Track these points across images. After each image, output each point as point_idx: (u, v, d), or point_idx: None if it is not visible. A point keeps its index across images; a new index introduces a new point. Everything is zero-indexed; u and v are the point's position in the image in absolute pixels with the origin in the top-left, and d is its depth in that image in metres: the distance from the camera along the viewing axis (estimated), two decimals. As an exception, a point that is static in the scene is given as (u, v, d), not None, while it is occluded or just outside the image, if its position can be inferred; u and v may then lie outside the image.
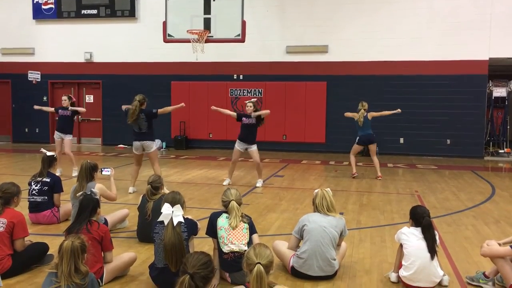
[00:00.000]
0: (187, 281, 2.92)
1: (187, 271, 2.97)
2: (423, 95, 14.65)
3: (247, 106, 9.23)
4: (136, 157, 8.68)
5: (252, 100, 9.59)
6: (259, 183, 9.48)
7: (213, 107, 9.60)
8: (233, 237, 4.40)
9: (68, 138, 10.30)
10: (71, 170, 10.25)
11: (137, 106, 8.35)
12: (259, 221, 6.67)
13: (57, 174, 9.93)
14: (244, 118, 9.22)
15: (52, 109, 11.00)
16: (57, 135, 10.39)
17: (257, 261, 3.12)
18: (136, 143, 8.52)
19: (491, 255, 4.35)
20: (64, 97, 10.59)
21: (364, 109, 10.31)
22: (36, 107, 11.32)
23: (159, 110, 8.50)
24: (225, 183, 9.53)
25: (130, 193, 8.55)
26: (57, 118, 10.52)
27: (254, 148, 9.27)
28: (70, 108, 10.40)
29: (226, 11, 11.65)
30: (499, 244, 4.38)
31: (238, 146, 9.33)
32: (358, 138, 10.47)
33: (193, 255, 3.10)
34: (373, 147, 10.48)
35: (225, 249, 4.39)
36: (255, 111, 9.14)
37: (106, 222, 5.82)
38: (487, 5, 14.14)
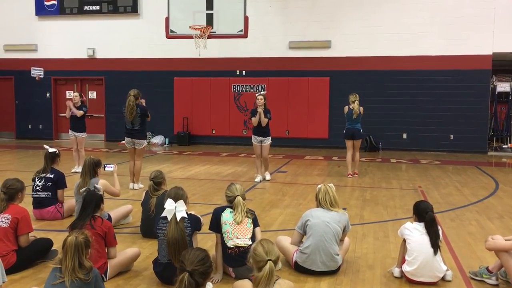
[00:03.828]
0: (186, 278, 2.93)
1: (185, 269, 2.98)
2: (426, 90, 14.61)
3: (258, 99, 9.33)
4: (129, 150, 8.88)
5: (262, 93, 9.69)
6: (267, 176, 9.70)
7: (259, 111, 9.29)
8: (238, 232, 4.42)
9: (80, 135, 10.46)
10: (73, 166, 10.34)
11: (133, 101, 8.48)
12: (262, 216, 6.67)
13: (73, 170, 10.04)
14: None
15: (68, 111, 10.54)
16: (70, 133, 10.54)
17: (267, 258, 3.19)
18: (128, 139, 8.72)
19: (495, 249, 4.35)
20: (76, 94, 10.65)
21: (357, 100, 9.94)
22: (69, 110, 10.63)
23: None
24: (257, 179, 9.52)
25: (131, 189, 8.60)
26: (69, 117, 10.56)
27: (267, 142, 9.44)
28: (72, 110, 10.38)
29: (228, 6, 11.62)
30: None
31: (254, 140, 9.49)
32: (345, 131, 10.13)
33: (190, 252, 3.11)
34: (357, 143, 10.13)
35: (230, 243, 4.40)
36: (264, 105, 9.29)
37: (109, 218, 5.82)
38: (491, -1, 14.09)
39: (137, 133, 8.63)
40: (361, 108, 10.05)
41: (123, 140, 9.04)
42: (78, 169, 9.99)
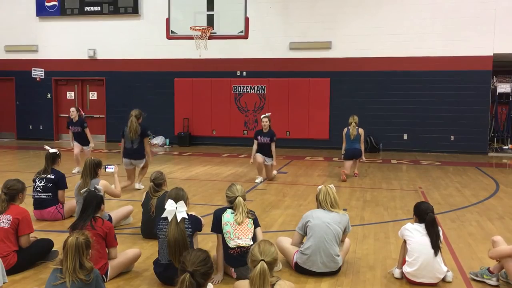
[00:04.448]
0: (187, 279, 2.94)
1: (186, 270, 2.98)
2: (427, 91, 14.61)
3: (263, 122, 9.50)
4: (128, 172, 8.74)
5: (267, 114, 9.75)
6: (274, 172, 9.92)
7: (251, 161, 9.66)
8: (239, 232, 4.43)
9: (87, 148, 10.51)
10: (73, 167, 10.34)
11: (136, 121, 8.55)
12: (263, 217, 6.67)
13: (74, 171, 10.03)
14: (259, 137, 9.53)
15: (70, 134, 10.68)
16: (76, 143, 10.53)
17: (261, 258, 3.17)
18: (126, 160, 8.68)
19: (499, 257, 4.34)
20: (73, 109, 10.63)
21: (355, 122, 10.04)
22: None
23: (147, 140, 8.83)
24: (257, 180, 9.53)
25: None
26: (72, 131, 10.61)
27: (269, 163, 9.58)
28: (78, 120, 10.44)
29: (229, 7, 11.63)
30: None
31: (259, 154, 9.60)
32: (345, 152, 10.14)
33: (191, 253, 3.12)
34: (357, 160, 10.26)
35: (232, 244, 4.41)
36: (269, 126, 9.47)
37: (110, 219, 5.83)
38: (492, 0, 14.06)
39: (136, 153, 8.63)
40: (361, 130, 10.08)
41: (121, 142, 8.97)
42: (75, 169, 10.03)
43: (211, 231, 4.58)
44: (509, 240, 5.43)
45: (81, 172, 6.27)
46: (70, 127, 10.55)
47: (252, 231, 4.48)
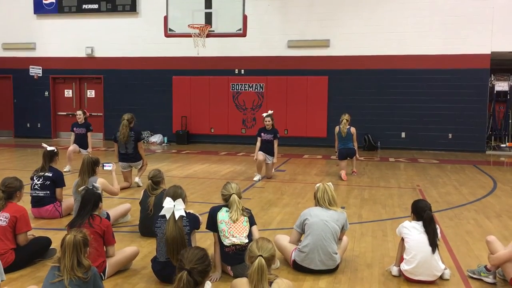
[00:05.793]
0: (185, 277, 2.94)
1: (184, 267, 2.98)
2: (425, 89, 14.62)
3: (265, 121, 9.56)
4: (124, 174, 8.72)
5: (269, 113, 9.74)
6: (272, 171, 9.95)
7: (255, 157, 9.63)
8: (234, 230, 4.43)
9: (84, 152, 10.43)
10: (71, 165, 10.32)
11: (127, 125, 8.55)
12: (261, 215, 6.69)
13: (65, 170, 9.99)
14: (262, 134, 9.60)
15: (72, 137, 10.60)
16: (77, 147, 10.51)
17: (258, 253, 3.18)
18: (123, 164, 8.68)
19: (500, 263, 4.33)
20: (79, 112, 10.65)
21: (347, 120, 9.90)
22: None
23: (141, 144, 8.76)
24: (255, 178, 9.53)
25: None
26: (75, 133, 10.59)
27: (270, 161, 9.61)
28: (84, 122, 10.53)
29: (227, 5, 11.62)
30: None
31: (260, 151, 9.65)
32: (338, 151, 10.03)
33: (189, 251, 3.12)
34: (352, 158, 10.17)
35: (226, 242, 4.41)
36: (272, 125, 9.56)
37: (108, 217, 5.84)
38: (490, -2, 14.10)
39: (132, 158, 8.64)
40: (353, 129, 9.93)
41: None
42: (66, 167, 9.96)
43: (206, 228, 4.59)
44: (507, 238, 5.46)
45: (72, 171, 6.25)
46: (75, 129, 10.54)
47: (248, 229, 4.48)
